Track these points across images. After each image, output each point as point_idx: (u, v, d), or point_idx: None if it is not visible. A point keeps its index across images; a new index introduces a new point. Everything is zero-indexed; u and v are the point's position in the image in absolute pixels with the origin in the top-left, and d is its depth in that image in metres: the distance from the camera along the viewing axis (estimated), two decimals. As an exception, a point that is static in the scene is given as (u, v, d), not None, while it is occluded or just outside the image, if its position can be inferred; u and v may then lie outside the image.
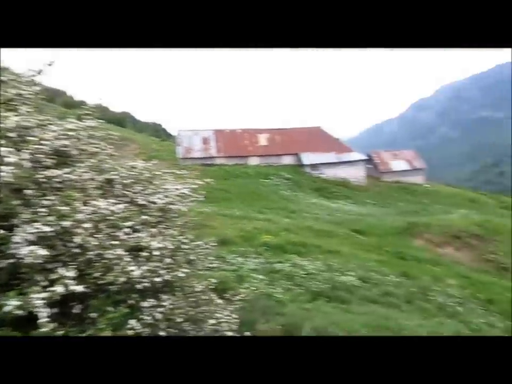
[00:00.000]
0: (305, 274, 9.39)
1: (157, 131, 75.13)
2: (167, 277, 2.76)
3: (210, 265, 3.88)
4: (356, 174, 40.90)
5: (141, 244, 2.76)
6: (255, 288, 7.69)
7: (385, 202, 32.42)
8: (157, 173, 3.70)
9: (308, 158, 40.23)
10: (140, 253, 2.72)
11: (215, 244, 3.85)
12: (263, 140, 42.84)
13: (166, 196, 3.34)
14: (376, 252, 13.66)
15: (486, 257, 14.63)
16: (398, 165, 47.93)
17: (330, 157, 40.89)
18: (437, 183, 52.68)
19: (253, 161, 40.22)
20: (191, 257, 3.38)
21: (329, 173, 39.32)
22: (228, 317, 3.36)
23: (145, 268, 2.61)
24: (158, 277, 2.68)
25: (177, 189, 3.50)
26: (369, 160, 45.98)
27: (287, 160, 40.90)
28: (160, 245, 2.75)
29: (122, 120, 62.97)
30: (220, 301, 3.54)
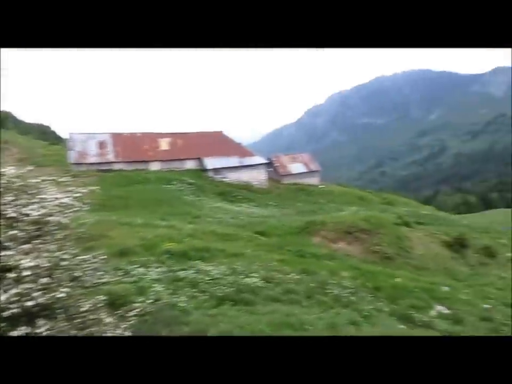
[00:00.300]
0: (210, 279, 9.28)
1: (44, 133, 68.07)
2: (43, 299, 2.41)
3: (101, 280, 3.54)
4: (258, 177, 42.20)
5: (9, 263, 2.37)
6: (157, 299, 7.34)
7: (285, 203, 33.98)
8: (33, 181, 3.26)
9: (211, 162, 40.26)
10: (6, 274, 2.34)
11: (105, 257, 3.52)
12: (164, 144, 41.66)
13: (43, 207, 2.94)
14: (278, 251, 14.16)
15: (372, 249, 16.25)
16: (296, 167, 50.75)
17: (232, 161, 41.51)
18: (330, 183, 57.01)
19: (154, 166, 38.84)
20: (76, 274, 3.03)
21: (232, 177, 39.88)
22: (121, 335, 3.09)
23: (13, 291, 2.24)
24: (30, 300, 2.33)
25: (57, 198, 3.12)
26: (270, 164, 47.82)
27: (190, 164, 40.40)
28: (33, 264, 2.39)
29: (1, 121, 55.49)
30: (110, 319, 3.23)
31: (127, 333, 3.17)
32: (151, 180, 32.38)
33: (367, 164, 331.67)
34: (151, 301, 6.95)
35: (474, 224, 35.11)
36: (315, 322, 7.44)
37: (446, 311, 10.26)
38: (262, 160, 44.70)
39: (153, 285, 8.34)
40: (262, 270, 10.77)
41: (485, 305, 11.19)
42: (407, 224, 20.66)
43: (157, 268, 9.78)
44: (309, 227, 17.96)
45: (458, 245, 19.15)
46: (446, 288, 12.22)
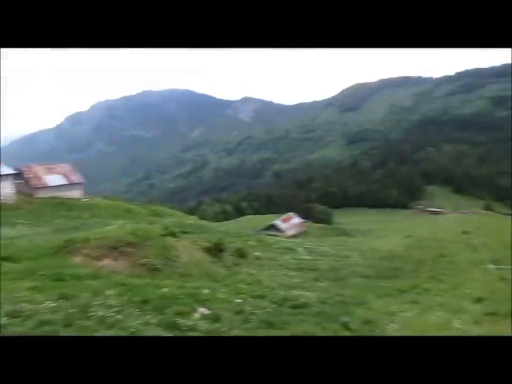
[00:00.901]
0: None
1: None
2: None
3: None
4: (3, 191, 35.26)
5: None
6: None
7: (40, 220, 29.66)
8: None
9: None
10: None
11: None
12: None
13: None
14: (30, 278, 12.15)
15: (140, 262, 16.14)
16: (54, 179, 45.25)
17: (-36, 170, 33.22)
18: (96, 196, 53.71)
19: None
20: None
21: (-37, 191, 31.83)
22: None
23: None
24: None
25: None
26: (19, 175, 40.85)
27: None
28: None
29: None
30: None
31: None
32: None
33: (136, 176, 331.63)
34: None
35: (230, 230, 40.35)
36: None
37: (207, 312, 11.20)
38: (8, 170, 37.65)
39: None
40: (6, 304, 8.97)
41: (238, 300, 12.86)
42: (173, 234, 21.60)
43: None
44: (69, 246, 16.22)
45: (216, 250, 21.44)
46: (207, 291, 13.36)
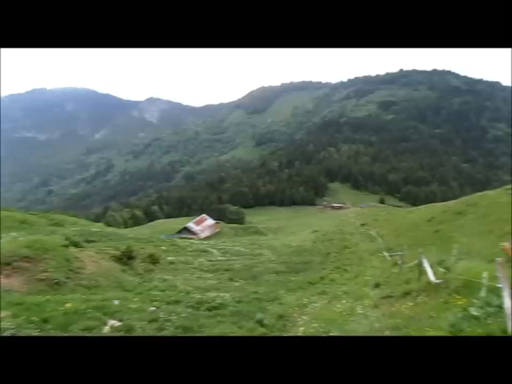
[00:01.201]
0: None
1: None
2: None
3: None
4: None
5: None
6: None
7: None
8: None
9: None
10: None
11: None
12: None
13: None
14: None
15: (38, 277, 14.58)
16: None
17: None
18: (-18, 207, 47.33)
19: None
20: None
21: None
22: None
23: None
24: None
25: None
26: None
27: None
28: None
29: None
30: None
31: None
32: None
33: (31, 182, 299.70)
34: None
35: (140, 235, 38.76)
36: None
37: (118, 324, 10.63)
38: None
39: None
40: None
41: (151, 308, 12.43)
42: (76, 245, 20.00)
43: None
44: None
45: (126, 257, 20.42)
46: (117, 302, 12.66)
